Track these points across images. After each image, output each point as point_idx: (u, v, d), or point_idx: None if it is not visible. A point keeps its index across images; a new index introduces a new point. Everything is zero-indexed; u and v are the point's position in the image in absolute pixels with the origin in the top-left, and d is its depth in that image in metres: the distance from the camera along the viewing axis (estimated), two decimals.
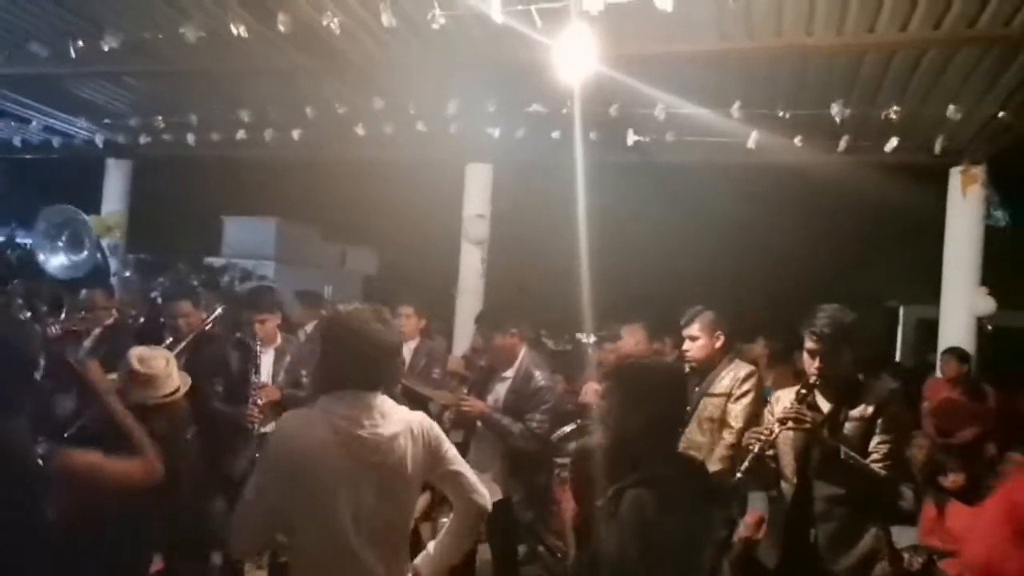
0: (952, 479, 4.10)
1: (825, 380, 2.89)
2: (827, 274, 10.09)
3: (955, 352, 6.19)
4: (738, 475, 2.83)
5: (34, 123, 8.04)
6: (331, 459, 2.04)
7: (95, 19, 5.08)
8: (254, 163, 8.59)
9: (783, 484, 2.96)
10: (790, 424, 2.80)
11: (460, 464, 2.29)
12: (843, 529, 2.81)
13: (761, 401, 3.45)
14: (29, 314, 5.38)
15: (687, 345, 3.70)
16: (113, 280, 7.11)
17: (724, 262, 10.66)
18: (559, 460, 4.33)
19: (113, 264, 7.79)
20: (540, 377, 3.96)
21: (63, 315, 5.02)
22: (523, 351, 4.07)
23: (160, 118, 7.28)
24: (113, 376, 2.77)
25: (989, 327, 6.81)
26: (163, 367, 2.76)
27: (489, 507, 2.33)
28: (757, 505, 3.59)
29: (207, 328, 4.21)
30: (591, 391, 4.40)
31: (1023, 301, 8.23)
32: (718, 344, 3.67)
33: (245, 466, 4.12)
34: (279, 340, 4.75)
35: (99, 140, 8.12)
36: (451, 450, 2.28)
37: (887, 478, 2.81)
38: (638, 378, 2.33)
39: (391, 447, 2.10)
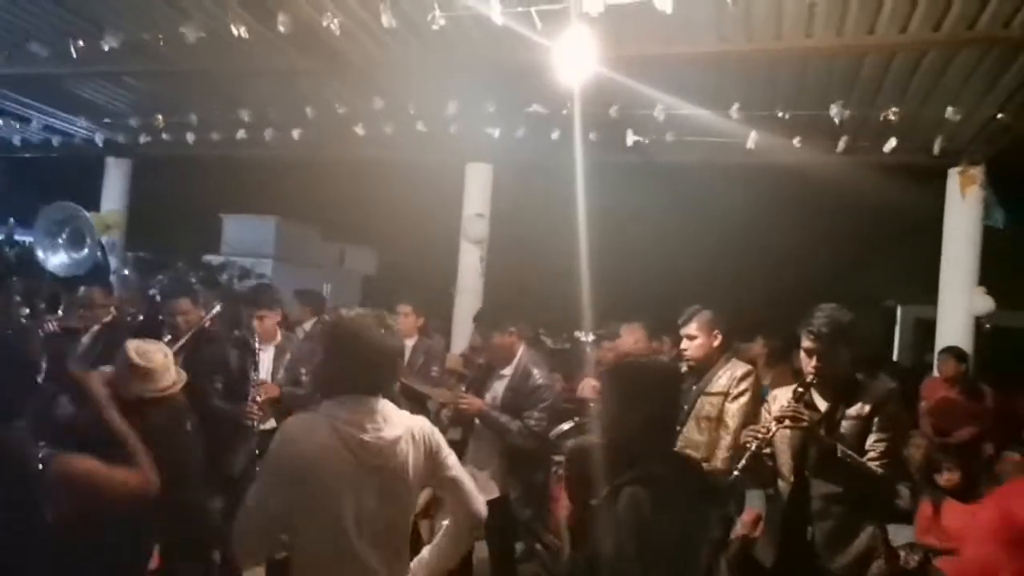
0: (947, 477, 4.12)
1: (822, 379, 2.90)
2: (825, 274, 10.10)
3: (953, 352, 6.21)
4: (735, 473, 2.84)
5: (34, 122, 8.05)
6: (334, 463, 2.06)
7: (95, 19, 5.09)
8: (254, 163, 8.60)
9: (780, 482, 2.97)
10: (787, 422, 2.81)
11: (459, 470, 2.31)
12: (840, 527, 2.83)
13: (759, 400, 3.45)
14: (27, 311, 5.39)
15: (685, 344, 3.71)
16: (112, 278, 7.11)
17: (723, 262, 10.68)
18: (557, 458, 4.34)
19: (112, 262, 7.80)
20: (538, 375, 3.98)
21: (61, 312, 5.03)
22: (521, 349, 4.09)
23: (160, 117, 7.29)
24: (108, 368, 2.78)
25: (987, 326, 6.83)
26: (161, 360, 2.77)
27: (485, 515, 2.34)
28: (754, 503, 3.61)
29: (206, 326, 4.22)
30: (588, 387, 4.41)
31: (1021, 301, 8.25)
32: (716, 343, 3.67)
33: (244, 463, 4.13)
34: (279, 338, 4.77)
35: (99, 139, 8.13)
36: (451, 456, 2.30)
37: (884, 476, 2.82)
38: (635, 377, 2.34)
39: (393, 451, 2.12)
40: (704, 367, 3.65)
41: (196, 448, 3.21)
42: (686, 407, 3.57)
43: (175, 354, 3.85)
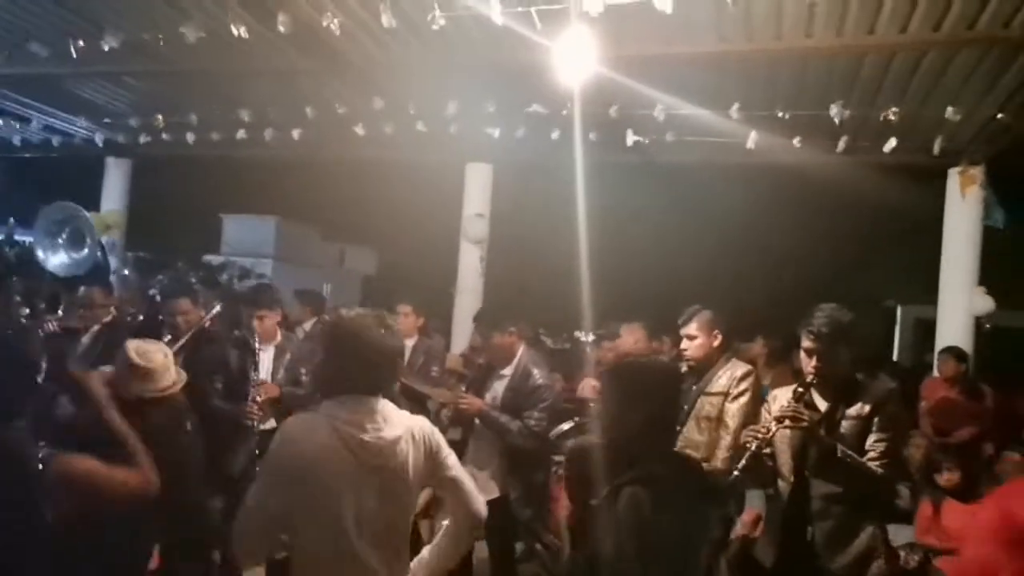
0: (947, 477, 4.12)
1: (822, 379, 2.90)
2: (826, 274, 10.10)
3: (953, 352, 6.21)
4: (735, 473, 2.84)
5: (34, 122, 8.05)
6: (334, 463, 2.06)
7: (95, 19, 5.09)
8: (254, 163, 8.60)
9: (780, 482, 2.97)
10: (787, 422, 2.81)
11: (459, 470, 2.31)
12: (840, 527, 2.83)
13: (759, 400, 3.45)
14: (27, 311, 5.39)
15: (685, 344, 3.71)
16: (112, 278, 7.11)
17: (723, 262, 10.68)
18: (557, 458, 4.34)
19: (112, 262, 7.80)
20: (538, 375, 3.98)
21: (60, 312, 5.03)
22: (521, 349, 4.09)
23: (160, 117, 7.29)
24: (108, 368, 2.78)
25: (987, 327, 6.83)
26: (161, 360, 2.77)
27: (485, 515, 2.34)
28: (754, 503, 3.60)
29: (206, 326, 4.22)
30: (588, 387, 4.42)
31: (1021, 301, 8.25)
32: (716, 343, 3.67)
33: (244, 463, 4.13)
34: (279, 338, 4.77)
35: (99, 139, 8.13)
36: (451, 456, 2.30)
37: (884, 476, 2.82)
38: (634, 377, 2.34)
39: (393, 451, 2.12)
40: (704, 367, 3.65)
41: (196, 448, 3.21)
42: (686, 407, 3.57)
43: (175, 354, 3.86)
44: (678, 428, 3.56)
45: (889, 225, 10.08)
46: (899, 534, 4.00)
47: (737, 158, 6.65)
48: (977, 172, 6.59)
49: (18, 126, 8.24)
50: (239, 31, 4.75)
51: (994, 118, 5.62)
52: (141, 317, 5.20)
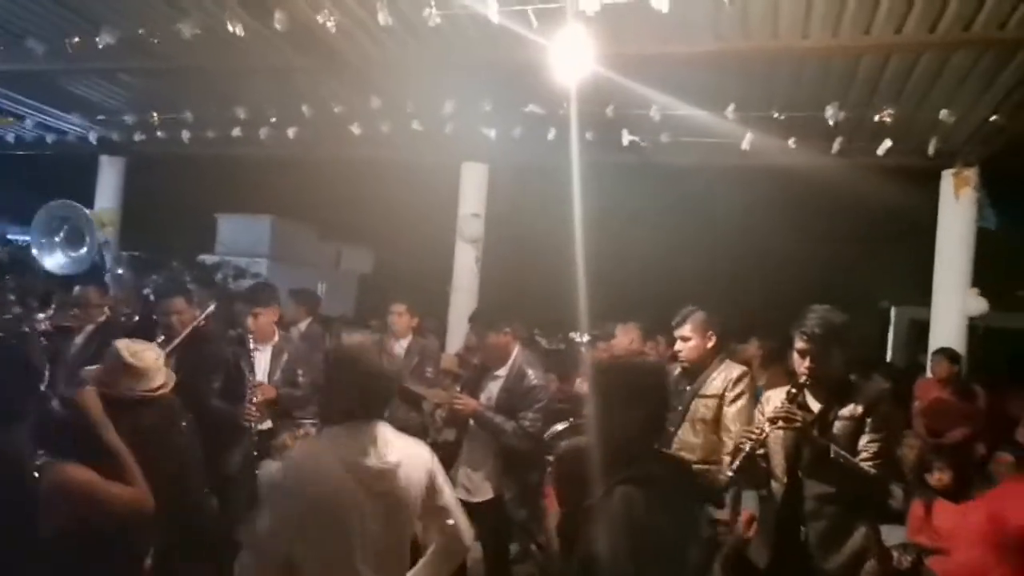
0: (938, 477, 4.13)
1: (815, 380, 2.91)
2: (820, 275, 10.13)
3: (946, 353, 6.23)
4: (729, 474, 2.85)
5: (28, 120, 8.01)
6: (339, 489, 2.14)
7: (91, 16, 5.07)
8: (249, 161, 8.57)
9: (773, 483, 2.98)
10: (780, 423, 2.82)
11: (453, 499, 2.41)
12: (833, 527, 2.84)
13: (755, 401, 3.46)
14: (20, 310, 5.37)
15: (679, 346, 3.71)
16: (106, 277, 7.08)
17: (718, 262, 10.70)
18: (551, 458, 4.34)
19: (106, 261, 7.77)
20: (533, 376, 3.98)
21: (52, 311, 5.01)
22: (516, 350, 4.08)
23: (155, 115, 7.26)
24: (95, 368, 2.76)
25: (980, 328, 6.85)
26: (152, 359, 2.75)
27: (471, 547, 2.47)
28: (748, 504, 3.60)
29: (202, 325, 4.21)
30: (584, 385, 4.42)
31: (1014, 303, 8.28)
32: (710, 344, 3.68)
33: (240, 463, 4.12)
34: (276, 338, 4.74)
35: (93, 137, 8.10)
36: (446, 485, 2.40)
37: (877, 477, 2.83)
38: (624, 378, 2.34)
39: (395, 475, 2.21)
40: (698, 368, 3.66)
41: (193, 448, 3.19)
42: (680, 408, 3.57)
43: (169, 354, 3.85)
44: (672, 429, 3.57)
45: (883, 226, 10.10)
46: (892, 535, 4.01)
47: (733, 159, 6.66)
48: (971, 174, 6.61)
49: (11, 123, 8.20)
50: (235, 28, 4.73)
51: (988, 120, 5.64)
52: (136, 317, 5.19)
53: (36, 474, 2.14)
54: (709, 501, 3.31)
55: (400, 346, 5.28)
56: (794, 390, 2.90)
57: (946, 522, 3.92)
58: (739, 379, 3.57)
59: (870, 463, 2.80)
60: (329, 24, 4.55)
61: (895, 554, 3.96)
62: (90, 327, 4.82)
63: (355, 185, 9.29)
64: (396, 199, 9.54)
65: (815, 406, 2.94)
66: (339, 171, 8.91)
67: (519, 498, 4.01)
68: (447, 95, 6.15)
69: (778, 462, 2.95)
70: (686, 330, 3.68)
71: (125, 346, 2.72)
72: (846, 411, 2.89)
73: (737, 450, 2.89)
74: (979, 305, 6.59)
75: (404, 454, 2.27)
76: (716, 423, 3.54)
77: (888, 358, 11.99)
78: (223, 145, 7.69)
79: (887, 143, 6.00)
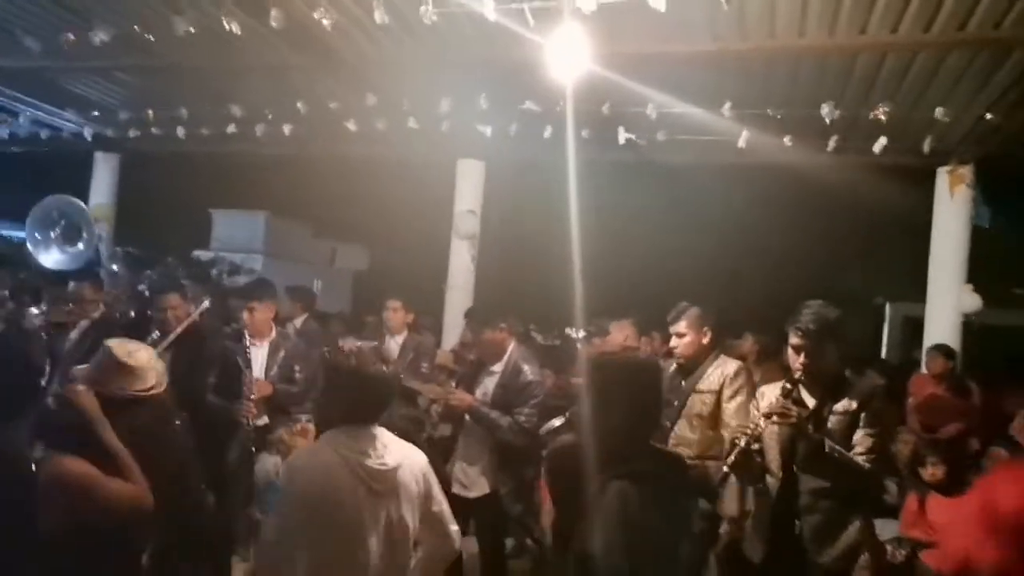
0: (931, 472, 4.15)
1: (810, 375, 2.92)
2: (815, 271, 10.15)
3: (941, 349, 6.26)
4: (724, 469, 2.86)
5: (22, 116, 7.97)
6: (342, 488, 2.20)
7: (86, 13, 5.05)
8: (245, 158, 8.55)
9: (769, 478, 3.00)
10: (775, 418, 2.84)
11: (445, 505, 2.47)
12: (828, 522, 2.86)
13: (754, 396, 3.47)
14: (12, 306, 5.35)
15: (674, 342, 3.72)
16: (100, 273, 7.06)
17: (713, 259, 10.71)
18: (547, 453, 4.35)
19: (102, 257, 7.74)
20: (529, 371, 3.99)
21: (43, 306, 4.99)
22: (512, 346, 4.09)
23: (150, 112, 7.24)
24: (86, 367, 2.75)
25: (973, 323, 6.88)
26: (146, 359, 2.74)
27: (459, 550, 2.52)
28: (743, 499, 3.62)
29: (197, 321, 4.20)
30: (579, 381, 4.43)
31: (1008, 299, 8.32)
32: (705, 340, 3.69)
33: (237, 459, 4.12)
34: (273, 334, 4.73)
35: (88, 133, 8.07)
36: (439, 490, 2.45)
37: (871, 471, 2.85)
38: (616, 375, 2.34)
39: (395, 475, 2.28)
40: (693, 364, 3.67)
41: (187, 447, 3.18)
42: (676, 403, 3.58)
43: (165, 349, 3.84)
44: (668, 425, 3.58)
45: (878, 224, 10.14)
46: (886, 529, 4.04)
47: (729, 157, 6.67)
48: (966, 172, 6.64)
49: (5, 120, 8.16)
50: (231, 26, 4.72)
51: (983, 118, 5.66)
52: (132, 314, 5.18)
53: (34, 467, 2.14)
54: (703, 496, 3.34)
55: (395, 342, 5.29)
56: (789, 385, 2.91)
57: (940, 516, 3.94)
58: (736, 374, 3.58)
59: (864, 458, 2.82)
60: (325, 22, 4.54)
61: (889, 548, 3.99)
62: (85, 323, 4.81)
63: (350, 182, 9.28)
64: (392, 196, 9.53)
65: (810, 401, 2.95)
66: (334, 168, 8.90)
67: (515, 493, 4.02)
68: (443, 92, 6.15)
69: (773, 457, 2.96)
70: (681, 326, 3.69)
71: (118, 345, 2.70)
72: (840, 406, 2.90)
73: (732, 445, 2.90)
74: (973, 302, 6.62)
75: (402, 456, 2.34)
76: (712, 419, 3.55)
77: (883, 354, 12.03)
78: (218, 142, 7.66)
79: (883, 141, 6.02)
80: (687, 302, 3.76)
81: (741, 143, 6.17)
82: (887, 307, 13.05)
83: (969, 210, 6.70)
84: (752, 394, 3.49)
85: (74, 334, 4.76)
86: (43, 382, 2.40)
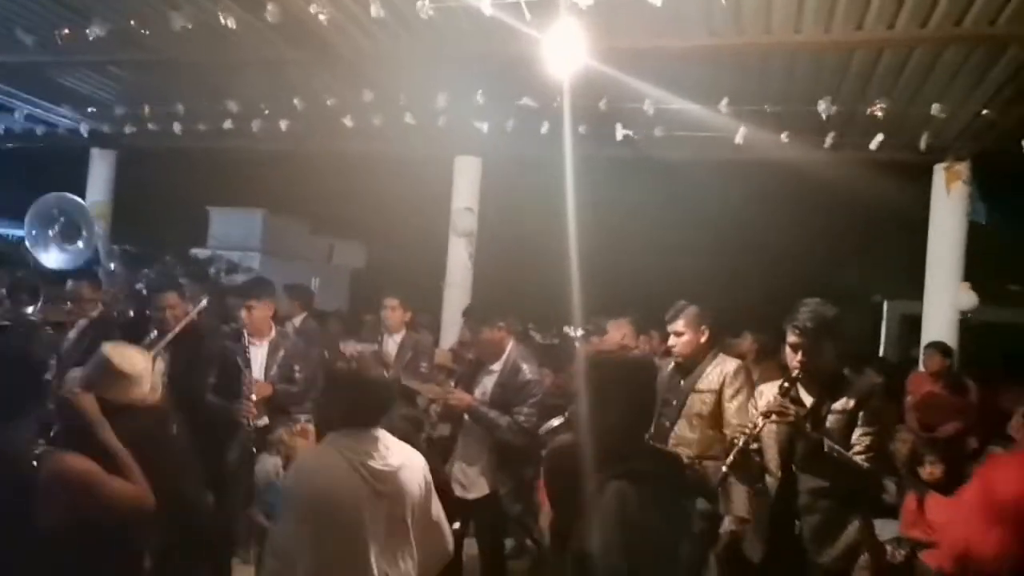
0: (930, 471, 4.15)
1: (808, 374, 2.92)
2: (813, 269, 10.15)
3: (938, 347, 6.26)
4: (723, 468, 2.85)
5: (17, 112, 7.93)
6: (348, 487, 2.22)
7: (81, 7, 5.02)
8: (241, 155, 8.52)
9: (768, 477, 2.99)
10: (773, 417, 2.83)
11: (440, 511, 2.50)
12: (827, 522, 2.85)
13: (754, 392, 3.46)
14: (9, 304, 5.32)
15: (672, 340, 3.71)
16: (99, 271, 7.03)
17: (711, 257, 10.71)
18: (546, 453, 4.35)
19: (99, 255, 7.71)
20: (527, 370, 3.97)
21: (40, 304, 4.96)
22: (510, 344, 4.08)
23: (146, 108, 7.21)
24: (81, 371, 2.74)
25: (971, 321, 6.89)
26: (142, 364, 2.73)
27: (451, 552, 2.55)
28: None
29: (195, 319, 4.18)
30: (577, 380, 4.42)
31: (1005, 297, 8.32)
32: (703, 339, 3.68)
33: (236, 460, 4.10)
34: (273, 334, 4.68)
35: (84, 129, 8.02)
36: (436, 498, 2.49)
37: (870, 471, 2.84)
38: (612, 374, 2.32)
39: (398, 476, 2.32)
40: (692, 363, 3.66)
41: (185, 449, 3.17)
42: (676, 403, 3.58)
43: (163, 349, 3.82)
44: (668, 424, 3.57)
45: (875, 221, 10.13)
46: (885, 529, 4.04)
47: (726, 153, 6.67)
48: (962, 168, 6.64)
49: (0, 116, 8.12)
50: (227, 21, 4.70)
51: (980, 115, 5.66)
52: (131, 313, 5.15)
53: (35, 463, 2.13)
54: (703, 496, 3.33)
55: (393, 341, 5.26)
56: (787, 384, 2.91)
57: (939, 516, 3.94)
58: (736, 373, 3.57)
59: (863, 457, 2.81)
60: (321, 17, 4.52)
61: (889, 548, 3.99)
62: (83, 322, 4.79)
63: (347, 179, 9.26)
64: (389, 193, 9.51)
65: (808, 400, 2.95)
66: (331, 165, 8.88)
67: (514, 493, 4.01)
68: (440, 88, 6.13)
69: (772, 456, 2.96)
70: (679, 325, 3.68)
71: (114, 351, 2.69)
72: (839, 405, 2.90)
73: (731, 445, 2.89)
74: (970, 299, 6.62)
75: (404, 458, 2.38)
76: (712, 418, 3.54)
77: (880, 352, 12.03)
78: (215, 138, 7.63)
79: (879, 137, 6.02)
80: (684, 300, 3.75)
81: (738, 139, 6.16)
82: (884, 305, 13.06)
83: (966, 207, 6.70)
84: (752, 393, 3.49)
85: (72, 333, 4.74)
86: (49, 377, 2.38)
